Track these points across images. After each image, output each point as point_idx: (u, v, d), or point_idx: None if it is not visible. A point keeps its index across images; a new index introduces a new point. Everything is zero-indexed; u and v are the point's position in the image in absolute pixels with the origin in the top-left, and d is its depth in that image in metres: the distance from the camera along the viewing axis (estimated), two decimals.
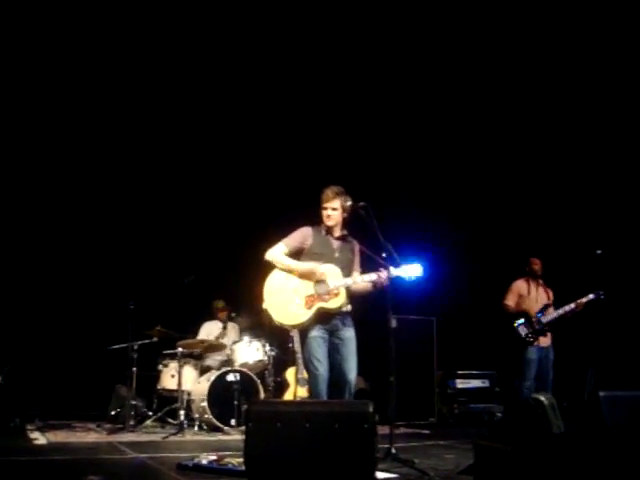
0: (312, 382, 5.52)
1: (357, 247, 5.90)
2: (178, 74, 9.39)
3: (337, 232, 5.80)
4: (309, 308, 5.50)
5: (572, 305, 7.77)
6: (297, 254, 5.72)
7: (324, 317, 5.54)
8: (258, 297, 5.71)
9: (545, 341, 7.93)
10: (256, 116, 9.98)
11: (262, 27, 9.11)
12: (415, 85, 9.97)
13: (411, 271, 5.57)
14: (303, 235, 5.76)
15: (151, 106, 9.55)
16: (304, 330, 5.58)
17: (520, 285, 8.23)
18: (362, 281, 5.63)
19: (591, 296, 7.72)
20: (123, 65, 9.11)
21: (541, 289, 8.21)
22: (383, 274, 5.51)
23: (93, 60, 8.92)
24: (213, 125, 10.00)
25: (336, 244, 5.79)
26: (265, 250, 5.72)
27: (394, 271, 5.53)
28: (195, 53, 9.22)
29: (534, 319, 7.89)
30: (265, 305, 5.60)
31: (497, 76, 9.68)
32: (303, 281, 5.58)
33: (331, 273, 5.59)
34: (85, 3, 8.32)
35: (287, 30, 9.18)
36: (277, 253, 5.65)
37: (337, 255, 5.74)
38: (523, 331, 7.88)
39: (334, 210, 5.69)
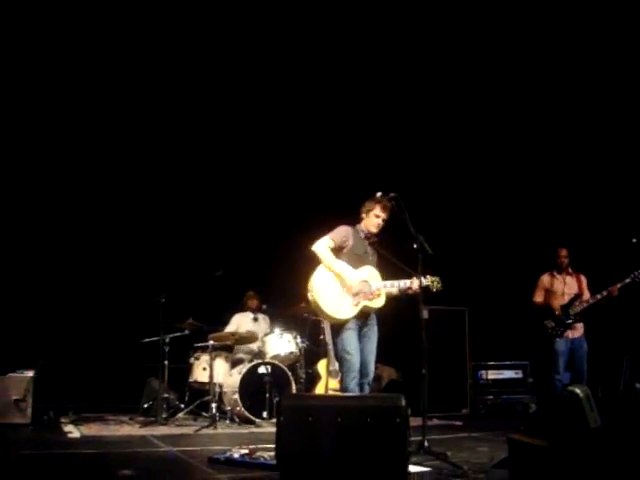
0: (345, 370, 5.76)
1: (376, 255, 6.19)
2: (211, 66, 9.43)
3: (372, 237, 6.09)
4: (356, 305, 5.75)
5: (604, 292, 7.64)
6: (337, 250, 5.91)
7: (362, 314, 5.82)
8: (302, 288, 5.93)
9: (575, 332, 7.82)
10: (287, 110, 9.98)
11: (291, 28, 9.17)
12: (434, 76, 9.92)
13: (435, 284, 5.89)
14: (346, 234, 5.97)
15: (176, 100, 9.56)
16: (341, 323, 5.79)
17: (545, 280, 8.17)
18: (397, 285, 5.90)
19: (627, 280, 7.57)
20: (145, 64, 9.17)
21: (569, 278, 8.07)
22: (415, 283, 5.77)
23: (96, 60, 8.94)
24: (243, 119, 9.98)
25: (369, 248, 6.07)
26: (306, 243, 5.92)
27: (423, 281, 5.75)
28: (233, 49, 9.27)
29: (558, 312, 7.82)
30: (313, 296, 5.74)
31: (522, 60, 9.58)
32: (348, 279, 5.79)
33: (372, 275, 5.92)
34: (85, 3, 8.33)
35: (312, 30, 9.22)
36: (325, 248, 5.83)
37: (370, 258, 6.04)
38: (549, 325, 7.85)
39: (384, 221, 5.98)
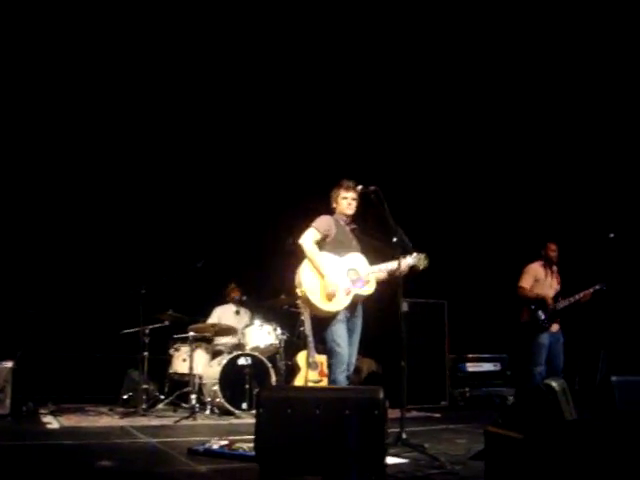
0: (334, 363, 5.72)
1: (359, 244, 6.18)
2: (195, 61, 9.38)
3: (350, 224, 6.13)
4: (347, 294, 5.75)
5: (581, 294, 7.76)
6: (322, 240, 5.92)
7: (352, 303, 5.81)
8: (283, 281, 5.89)
9: (555, 327, 7.89)
10: (271, 103, 9.96)
11: (271, 19, 9.11)
12: (426, 73, 9.95)
13: (422, 260, 5.89)
14: (329, 223, 5.99)
15: (161, 95, 9.52)
16: (332, 315, 5.76)
17: (536, 269, 8.11)
18: (386, 269, 5.87)
19: (597, 287, 7.74)
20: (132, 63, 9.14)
21: (554, 274, 8.14)
22: (403, 263, 5.71)
23: (93, 60, 8.90)
24: (225, 111, 9.96)
25: (351, 235, 6.09)
26: (286, 236, 6.10)
27: (409, 260, 5.80)
28: (217, 39, 9.23)
29: (551, 306, 7.83)
30: (302, 290, 5.72)
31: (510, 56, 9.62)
32: (336, 269, 5.79)
33: (359, 262, 5.93)
34: (85, 3, 8.29)
35: (297, 24, 9.21)
36: (311, 243, 5.84)
37: (354, 244, 6.05)
38: (541, 316, 7.81)
39: (354, 200, 6.02)
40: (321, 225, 5.93)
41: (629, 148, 9.37)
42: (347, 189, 5.99)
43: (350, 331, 5.84)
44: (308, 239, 5.83)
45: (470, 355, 9.94)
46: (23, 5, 8.10)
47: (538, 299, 7.89)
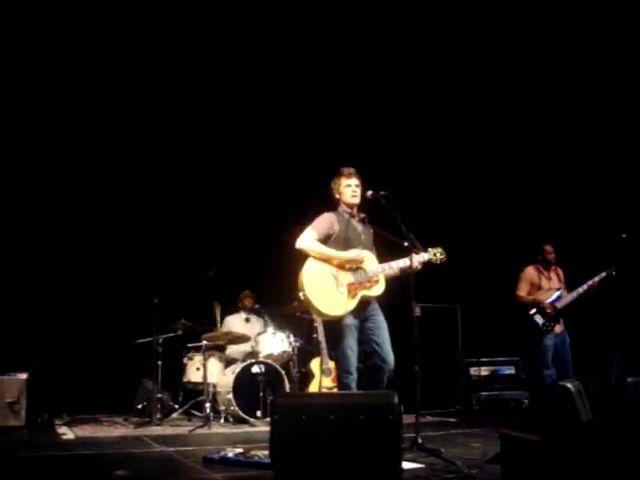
0: (344, 371, 5.47)
1: (372, 230, 5.92)
2: (201, 59, 9.40)
3: (357, 214, 5.82)
4: (353, 297, 5.45)
5: (585, 287, 7.69)
6: (324, 240, 5.62)
7: (362, 305, 5.51)
8: (293, 287, 5.64)
9: (559, 327, 7.82)
10: (277, 105, 9.98)
11: (273, 19, 9.12)
12: (427, 75, 9.95)
13: (438, 255, 5.72)
14: (329, 221, 5.66)
15: (167, 97, 9.55)
16: (338, 319, 5.49)
17: (531, 273, 8.06)
18: (397, 266, 5.61)
19: (603, 274, 7.65)
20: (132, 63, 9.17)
21: (553, 274, 8.08)
22: (416, 259, 5.52)
23: (93, 60, 8.93)
24: (232, 116, 9.99)
25: (360, 227, 5.80)
26: (292, 240, 5.66)
27: (424, 255, 5.64)
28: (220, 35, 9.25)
29: (548, 309, 7.77)
30: (305, 295, 5.40)
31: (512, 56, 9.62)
32: (341, 269, 5.51)
33: (368, 259, 5.61)
34: (85, 3, 8.33)
35: (299, 20, 9.19)
36: (310, 241, 5.52)
37: (363, 238, 5.76)
38: (540, 321, 7.74)
39: (357, 187, 5.71)
40: (320, 225, 5.60)
41: (630, 148, 9.34)
42: (349, 176, 5.70)
43: (374, 330, 5.50)
44: (306, 239, 5.52)
45: (484, 359, 9.91)
46: (23, 5, 8.14)
47: (535, 303, 7.84)
